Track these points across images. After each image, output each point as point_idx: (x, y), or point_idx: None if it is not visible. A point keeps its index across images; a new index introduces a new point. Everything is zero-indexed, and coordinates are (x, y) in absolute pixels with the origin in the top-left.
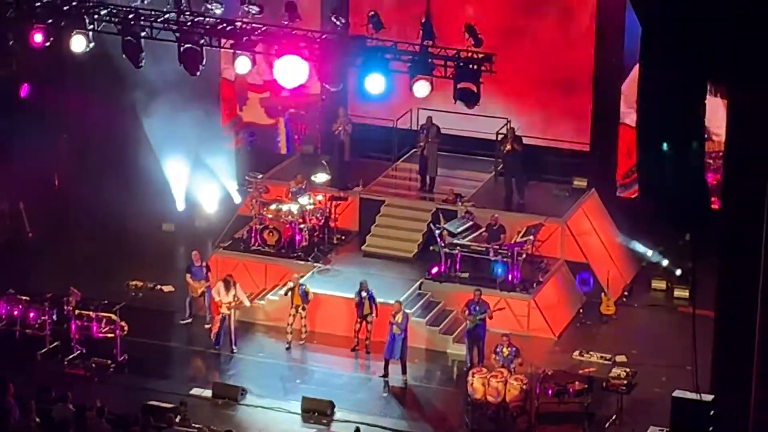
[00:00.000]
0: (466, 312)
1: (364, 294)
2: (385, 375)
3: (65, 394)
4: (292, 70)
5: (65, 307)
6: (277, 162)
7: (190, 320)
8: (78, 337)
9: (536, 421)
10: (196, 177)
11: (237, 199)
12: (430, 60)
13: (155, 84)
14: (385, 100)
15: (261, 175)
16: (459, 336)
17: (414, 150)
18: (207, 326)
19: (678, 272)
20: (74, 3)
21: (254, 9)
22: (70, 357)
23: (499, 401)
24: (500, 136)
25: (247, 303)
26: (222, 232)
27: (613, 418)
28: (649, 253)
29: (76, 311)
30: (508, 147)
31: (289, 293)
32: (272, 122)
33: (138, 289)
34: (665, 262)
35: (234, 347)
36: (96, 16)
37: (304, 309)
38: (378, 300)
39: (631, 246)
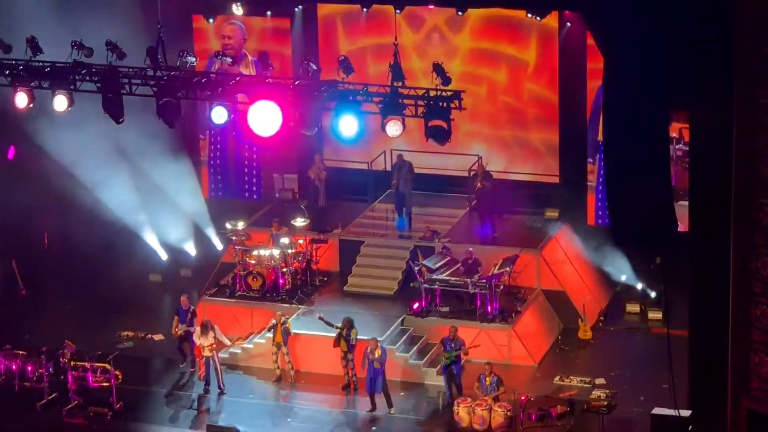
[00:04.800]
0: (442, 349)
1: (345, 332)
2: (373, 409)
3: None
4: (266, 117)
5: (61, 360)
6: (256, 209)
7: (190, 366)
8: (75, 388)
9: None
10: (177, 227)
11: (219, 246)
12: (400, 100)
13: (134, 139)
14: (359, 143)
15: (240, 222)
16: (441, 368)
17: (390, 189)
18: (191, 370)
19: (653, 295)
20: (56, 64)
21: (228, 60)
22: (69, 407)
23: (485, 429)
24: (472, 173)
25: (227, 342)
26: (207, 280)
27: None
28: (624, 277)
29: (72, 363)
30: (480, 183)
31: (272, 331)
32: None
33: (129, 339)
34: (639, 286)
35: (222, 387)
36: (77, 76)
37: (285, 346)
38: (362, 336)
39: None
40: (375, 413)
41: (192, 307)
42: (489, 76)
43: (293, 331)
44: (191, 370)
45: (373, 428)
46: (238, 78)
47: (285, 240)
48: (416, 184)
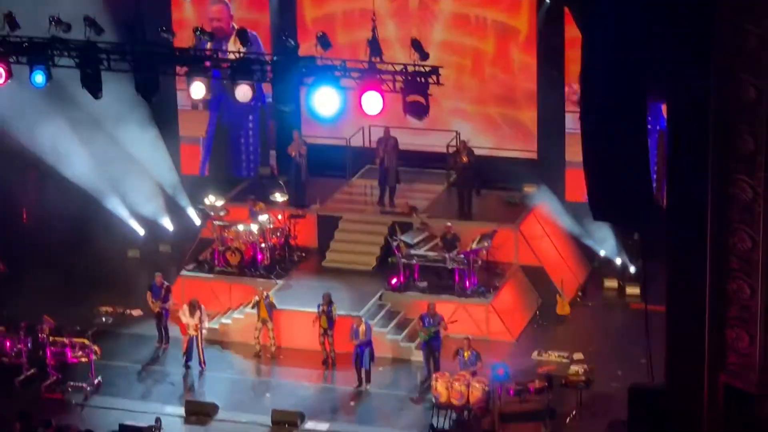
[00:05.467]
0: (420, 324)
1: (325, 307)
2: (359, 385)
3: (47, 419)
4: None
5: (40, 335)
6: (235, 184)
7: (164, 345)
8: (53, 363)
9: (499, 420)
10: (155, 203)
11: (197, 221)
12: (378, 75)
13: (115, 112)
14: (337, 120)
15: (215, 198)
16: (420, 343)
17: (369, 166)
18: (164, 346)
19: (632, 270)
20: (33, 39)
21: (206, 37)
22: (47, 382)
23: (463, 403)
24: (452, 149)
25: (207, 325)
26: (186, 256)
27: (574, 413)
28: (603, 251)
29: (51, 338)
30: (464, 159)
31: (256, 307)
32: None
33: (108, 315)
34: (618, 261)
35: (203, 366)
36: (56, 52)
37: (270, 321)
38: (340, 312)
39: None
40: (360, 389)
41: (166, 284)
42: (473, 45)
43: (277, 305)
44: (164, 346)
45: (352, 403)
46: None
47: (263, 216)
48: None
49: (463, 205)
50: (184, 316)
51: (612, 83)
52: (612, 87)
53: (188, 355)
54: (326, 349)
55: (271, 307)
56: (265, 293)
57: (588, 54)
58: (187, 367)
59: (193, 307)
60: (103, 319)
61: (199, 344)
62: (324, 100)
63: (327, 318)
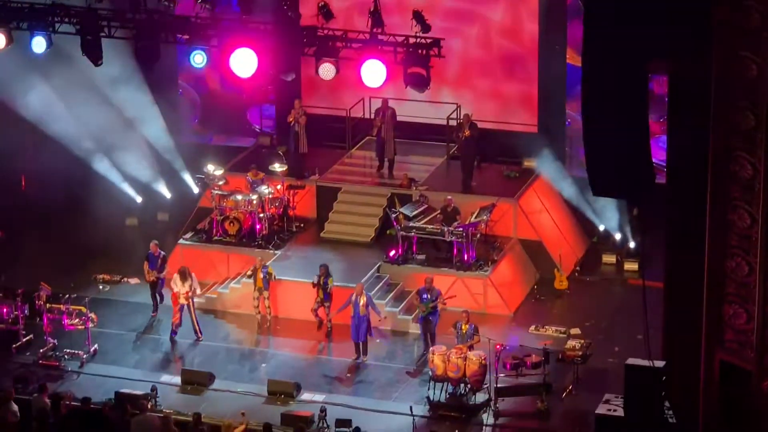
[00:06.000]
0: (418, 299)
1: (322, 279)
2: (357, 357)
3: (43, 385)
4: (245, 61)
5: (36, 302)
6: (234, 154)
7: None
8: (50, 330)
9: (496, 393)
10: (153, 171)
11: (195, 190)
12: (379, 47)
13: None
14: (338, 90)
15: (214, 167)
16: (417, 316)
17: (368, 137)
18: (152, 315)
19: (631, 245)
20: (34, 5)
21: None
22: (44, 349)
23: (460, 376)
24: (453, 122)
25: (199, 292)
26: (184, 225)
27: (570, 388)
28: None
29: (47, 305)
30: (467, 132)
31: (252, 276)
32: None
33: (105, 282)
34: (617, 236)
35: (199, 334)
36: (56, 18)
37: (267, 291)
38: (337, 283)
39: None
40: (358, 361)
41: (162, 253)
42: (467, 22)
43: (275, 276)
44: (153, 314)
45: (348, 374)
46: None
47: (263, 186)
48: (395, 131)
49: (466, 178)
50: (176, 285)
51: (613, 56)
52: (613, 60)
53: (178, 325)
54: (322, 318)
55: (268, 277)
56: (262, 263)
57: (589, 27)
58: (172, 339)
59: (184, 275)
60: (100, 286)
61: (192, 313)
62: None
63: (323, 289)
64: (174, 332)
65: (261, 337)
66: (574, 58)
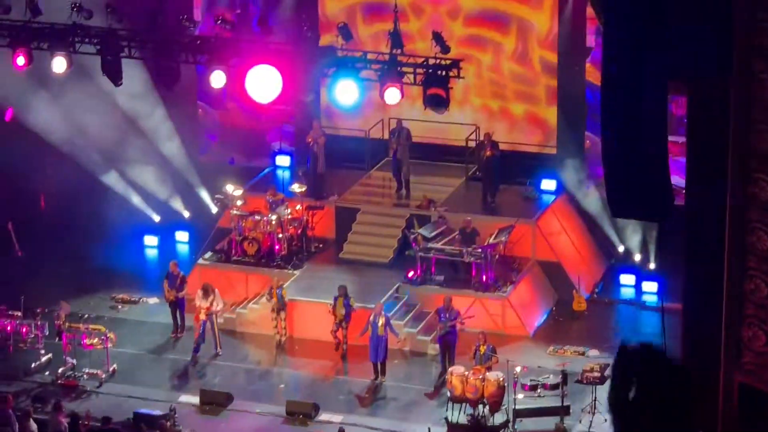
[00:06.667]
0: (437, 319)
1: (341, 299)
2: (376, 378)
3: (58, 404)
4: (264, 83)
5: (56, 321)
6: (253, 175)
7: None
8: (69, 350)
9: (514, 415)
10: (173, 189)
11: (213, 209)
12: (399, 68)
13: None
14: (357, 111)
15: (233, 187)
16: (436, 337)
17: (387, 158)
18: (179, 335)
19: (650, 266)
20: (55, 26)
21: (227, 25)
22: (62, 369)
23: (478, 397)
24: (473, 143)
25: (221, 307)
26: (203, 245)
27: (588, 409)
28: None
29: (67, 324)
30: (488, 153)
31: (269, 297)
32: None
33: (124, 302)
34: (636, 258)
35: (219, 350)
36: (77, 38)
37: (284, 312)
38: (356, 305)
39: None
40: (375, 381)
41: (181, 273)
42: (494, 39)
43: (287, 297)
44: (179, 335)
45: (367, 395)
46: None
47: (282, 206)
48: (413, 152)
49: (486, 199)
50: (198, 300)
51: (632, 78)
52: (632, 82)
53: (199, 341)
54: (339, 339)
55: (282, 299)
56: (279, 284)
57: (608, 48)
58: (194, 358)
59: (206, 291)
60: (119, 306)
61: (214, 328)
62: (344, 91)
63: (345, 309)
64: (196, 349)
65: (279, 357)
66: (594, 78)
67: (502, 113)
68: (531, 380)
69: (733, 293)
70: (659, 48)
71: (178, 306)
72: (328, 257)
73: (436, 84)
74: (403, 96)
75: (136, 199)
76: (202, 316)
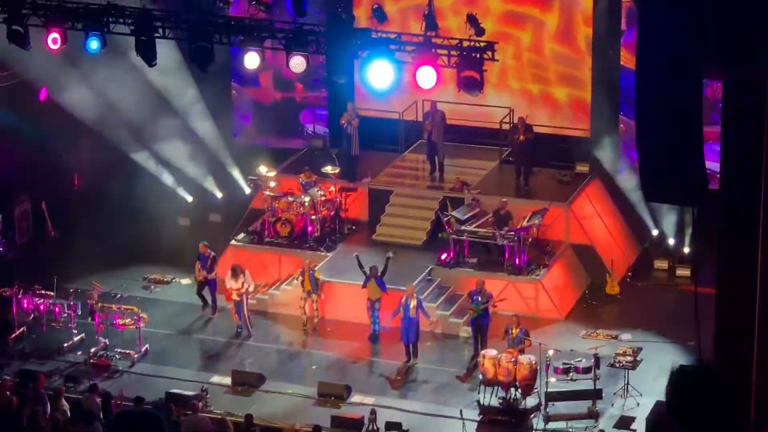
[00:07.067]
0: (469, 301)
1: (373, 279)
2: (408, 360)
3: (93, 384)
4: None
5: (88, 302)
6: (286, 156)
7: (210, 313)
8: (101, 330)
9: (546, 398)
10: (206, 170)
11: (247, 190)
12: (433, 50)
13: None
14: (391, 93)
15: (267, 169)
16: (468, 319)
17: (421, 140)
18: (211, 316)
19: (684, 250)
20: (89, 6)
21: (261, 6)
22: (95, 349)
23: (510, 380)
24: (507, 126)
25: (252, 288)
26: (236, 226)
27: (620, 393)
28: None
29: (99, 305)
30: (522, 136)
31: (300, 278)
32: None
33: (156, 283)
34: (671, 241)
35: (251, 331)
36: (111, 19)
37: (315, 294)
38: (389, 286)
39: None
40: (408, 364)
41: (212, 254)
42: (535, 16)
43: (322, 279)
44: (211, 316)
45: (398, 377)
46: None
47: (315, 188)
48: (447, 135)
49: (520, 182)
50: (228, 281)
51: (667, 61)
52: (667, 65)
53: (239, 324)
54: (371, 321)
55: (315, 281)
56: (310, 266)
57: (643, 31)
58: (238, 335)
59: (236, 272)
60: (152, 287)
61: (245, 310)
62: (379, 73)
63: (380, 287)
64: (238, 329)
65: (311, 339)
66: (628, 61)
67: (535, 96)
68: (563, 363)
69: (766, 278)
70: (695, 31)
71: (208, 286)
72: (361, 239)
73: (470, 66)
74: (439, 79)
75: (169, 180)
76: (235, 297)
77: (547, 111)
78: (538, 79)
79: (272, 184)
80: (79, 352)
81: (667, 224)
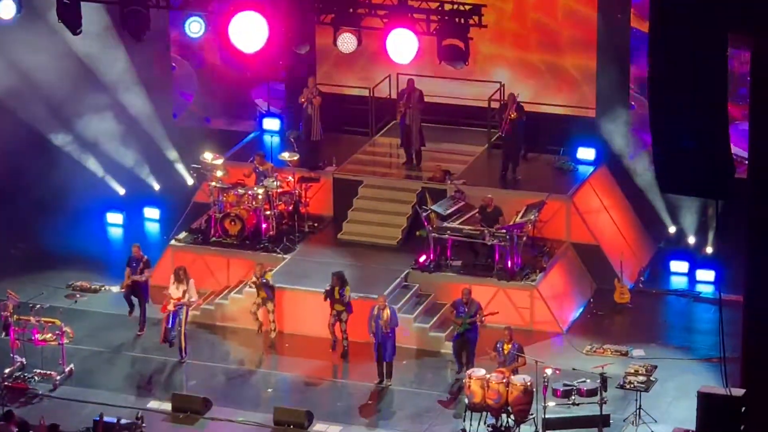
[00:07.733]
0: (454, 313)
1: (337, 289)
2: (381, 381)
3: (8, 411)
4: (250, 30)
5: (2, 313)
6: (236, 140)
7: (139, 331)
8: (17, 347)
9: (543, 426)
10: (141, 157)
11: (190, 181)
12: (409, 14)
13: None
14: (359, 66)
15: (212, 155)
16: (452, 334)
17: (394, 121)
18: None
19: (707, 251)
20: None
21: None
22: (10, 369)
23: (501, 405)
24: (496, 104)
25: (194, 300)
26: (177, 223)
27: (631, 420)
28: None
29: (15, 317)
30: (513, 115)
31: (254, 285)
32: None
33: (82, 291)
34: (690, 240)
35: (184, 354)
36: None
37: (272, 302)
38: (358, 294)
39: None
40: (380, 385)
41: (145, 257)
42: None
43: (275, 284)
44: (139, 333)
45: (369, 402)
46: None
47: (270, 178)
48: (426, 115)
49: (507, 170)
50: (171, 288)
51: (687, 29)
52: (687, 33)
53: (167, 336)
54: (337, 337)
55: (268, 286)
56: (263, 269)
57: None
58: (171, 343)
59: (179, 277)
60: (77, 295)
61: (182, 325)
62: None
63: (340, 301)
64: (164, 340)
65: (266, 356)
66: (639, 24)
67: (531, 69)
68: (564, 385)
69: None
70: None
71: (138, 293)
72: (324, 238)
73: (453, 34)
74: (418, 51)
75: (96, 168)
76: (170, 308)
77: (544, 86)
78: (534, 48)
79: (219, 173)
80: None
81: (686, 220)
